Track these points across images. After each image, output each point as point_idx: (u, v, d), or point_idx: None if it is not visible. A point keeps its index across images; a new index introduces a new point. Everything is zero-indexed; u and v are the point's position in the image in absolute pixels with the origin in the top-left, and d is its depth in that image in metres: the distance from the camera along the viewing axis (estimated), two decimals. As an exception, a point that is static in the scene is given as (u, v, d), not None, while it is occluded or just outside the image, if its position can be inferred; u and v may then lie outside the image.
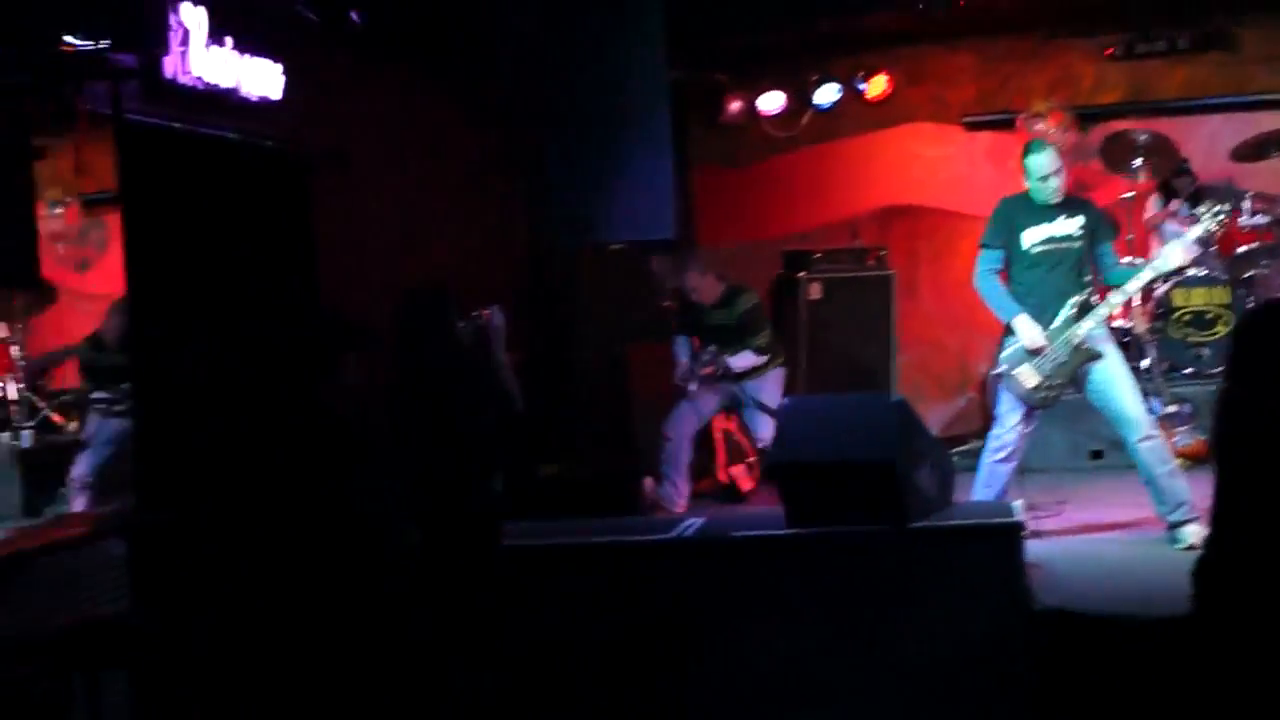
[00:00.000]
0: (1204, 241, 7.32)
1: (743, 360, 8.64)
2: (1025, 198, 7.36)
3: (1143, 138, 9.48)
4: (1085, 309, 7.14)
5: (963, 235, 10.79)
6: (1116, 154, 9.61)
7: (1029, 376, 7.22)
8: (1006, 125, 10.47)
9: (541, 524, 6.90)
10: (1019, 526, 6.28)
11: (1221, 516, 4.11)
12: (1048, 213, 7.25)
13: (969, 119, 10.74)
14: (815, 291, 9.43)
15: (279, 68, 6.42)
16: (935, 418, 10.57)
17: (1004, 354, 7.33)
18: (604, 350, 8.76)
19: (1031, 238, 7.26)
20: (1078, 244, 7.22)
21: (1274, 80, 10.33)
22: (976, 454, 9.41)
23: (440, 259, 7.78)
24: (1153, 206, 9.83)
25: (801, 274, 9.45)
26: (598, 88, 7.45)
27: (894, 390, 9.65)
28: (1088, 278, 7.28)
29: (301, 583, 4.68)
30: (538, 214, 8.34)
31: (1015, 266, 7.38)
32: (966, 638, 6.03)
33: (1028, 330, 7.17)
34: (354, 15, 6.37)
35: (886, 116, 10.86)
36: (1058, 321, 7.14)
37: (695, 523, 6.70)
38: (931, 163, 10.86)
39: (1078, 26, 10.48)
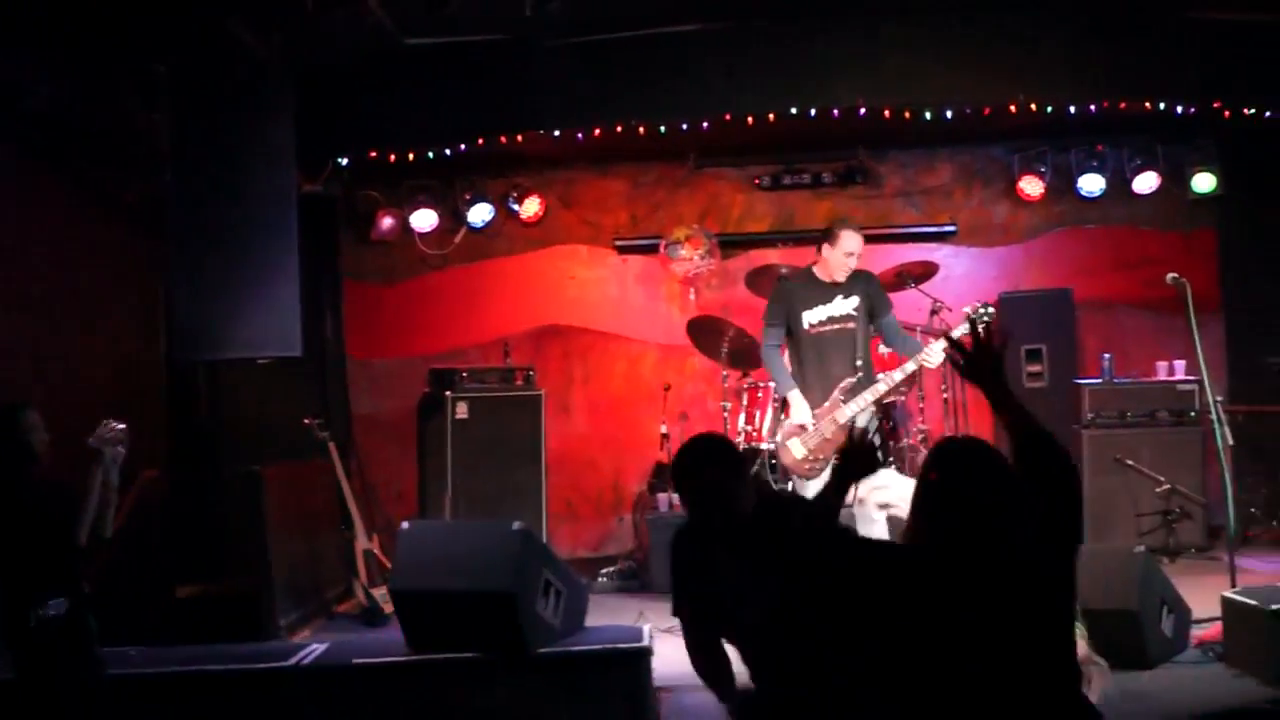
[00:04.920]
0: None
1: None
2: (808, 276, 7.72)
3: (784, 269, 9.72)
4: (854, 391, 7.41)
5: (615, 356, 10.98)
6: (763, 282, 9.84)
7: (796, 449, 7.41)
8: (658, 250, 10.67)
9: (160, 650, 6.68)
10: (645, 651, 6.32)
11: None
12: (827, 292, 7.61)
13: (621, 242, 10.94)
14: (462, 411, 9.35)
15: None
16: (588, 537, 10.61)
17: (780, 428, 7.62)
18: (242, 467, 8.44)
19: (811, 318, 7.62)
20: (853, 324, 7.58)
21: (911, 214, 10.87)
22: (629, 574, 9.51)
23: (69, 365, 7.41)
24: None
25: (448, 393, 9.37)
26: (227, 203, 7.31)
27: (544, 511, 9.61)
28: (859, 360, 7.58)
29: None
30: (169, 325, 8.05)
31: (794, 345, 7.72)
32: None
33: (798, 408, 7.47)
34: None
35: (540, 237, 10.99)
36: (827, 402, 7.42)
37: (317, 649, 6.54)
38: (584, 284, 11.00)
39: (727, 157, 10.82)
